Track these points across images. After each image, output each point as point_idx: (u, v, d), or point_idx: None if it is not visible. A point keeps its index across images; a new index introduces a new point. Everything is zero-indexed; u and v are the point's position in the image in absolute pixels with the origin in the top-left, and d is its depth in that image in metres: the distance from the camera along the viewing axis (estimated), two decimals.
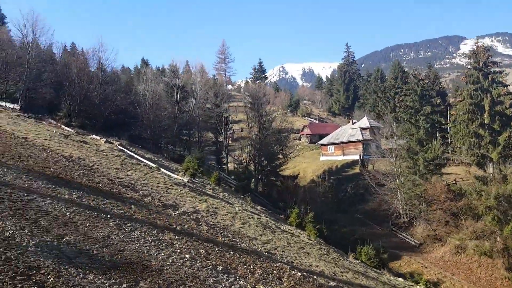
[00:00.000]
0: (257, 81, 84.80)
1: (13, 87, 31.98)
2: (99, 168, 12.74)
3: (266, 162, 37.61)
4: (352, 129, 47.01)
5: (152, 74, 38.72)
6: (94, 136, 22.84)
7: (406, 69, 74.83)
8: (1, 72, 30.76)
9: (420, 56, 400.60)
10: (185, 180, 17.83)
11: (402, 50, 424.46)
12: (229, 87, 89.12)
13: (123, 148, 20.72)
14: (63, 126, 23.69)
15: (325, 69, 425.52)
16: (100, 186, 10.49)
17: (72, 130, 22.79)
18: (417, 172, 30.83)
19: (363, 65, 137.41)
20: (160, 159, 25.00)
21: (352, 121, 50.39)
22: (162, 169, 17.86)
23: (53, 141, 15.27)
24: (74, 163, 12.13)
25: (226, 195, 20.21)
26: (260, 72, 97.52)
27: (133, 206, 9.42)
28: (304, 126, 67.17)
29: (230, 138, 50.90)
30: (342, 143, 46.23)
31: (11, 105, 27.05)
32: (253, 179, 35.58)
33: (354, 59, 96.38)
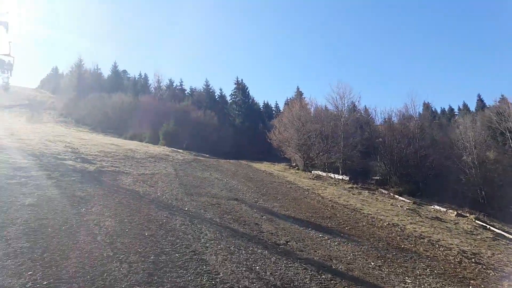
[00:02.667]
0: None
1: (333, 157, 35.64)
2: None
3: None
4: None
5: (470, 121, 32.36)
6: (435, 207, 19.62)
7: None
8: (322, 145, 35.17)
9: None
10: None
11: None
12: None
13: (484, 224, 15.98)
14: (396, 196, 22.29)
15: None
16: None
17: (408, 201, 20.73)
18: None
19: None
20: None
21: None
22: None
23: (417, 224, 13.19)
24: (477, 264, 8.98)
25: None
26: None
27: None
28: None
29: None
30: None
31: (340, 176, 29.08)
32: None
33: None
